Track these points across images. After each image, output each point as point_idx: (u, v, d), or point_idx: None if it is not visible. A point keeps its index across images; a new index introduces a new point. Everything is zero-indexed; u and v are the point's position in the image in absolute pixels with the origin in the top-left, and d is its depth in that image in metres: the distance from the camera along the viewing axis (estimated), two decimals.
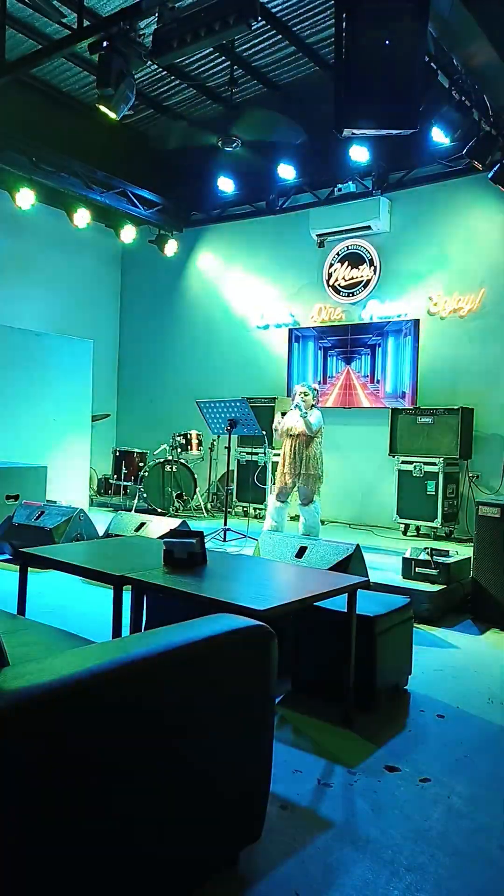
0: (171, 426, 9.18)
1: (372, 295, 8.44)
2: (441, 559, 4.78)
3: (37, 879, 1.45)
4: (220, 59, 7.60)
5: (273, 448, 7.86)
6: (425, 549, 4.94)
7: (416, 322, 7.99)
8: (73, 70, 7.96)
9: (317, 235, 8.68)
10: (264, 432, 7.22)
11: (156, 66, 7.30)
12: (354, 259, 8.58)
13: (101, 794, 1.55)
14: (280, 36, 7.14)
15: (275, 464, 7.84)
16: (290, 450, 6.20)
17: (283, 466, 6.24)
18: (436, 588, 4.63)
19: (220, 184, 8.86)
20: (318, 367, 8.75)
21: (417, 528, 7.50)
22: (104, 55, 5.09)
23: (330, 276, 8.77)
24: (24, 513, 6.09)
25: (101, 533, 5.97)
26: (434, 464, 7.25)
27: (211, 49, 7.15)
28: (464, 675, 3.68)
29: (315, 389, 6.40)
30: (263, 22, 6.74)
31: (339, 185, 8.45)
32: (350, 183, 8.35)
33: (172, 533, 3.45)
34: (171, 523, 5.44)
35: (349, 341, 8.50)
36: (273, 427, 6.44)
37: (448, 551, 5.00)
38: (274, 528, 6.21)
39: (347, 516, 8.29)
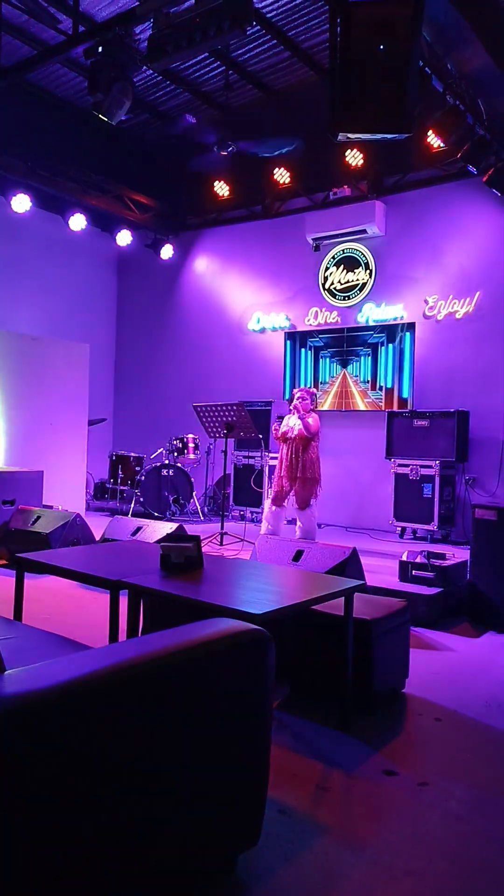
0: (167, 430, 9.18)
1: (367, 298, 8.46)
2: (438, 562, 4.78)
3: (34, 883, 1.44)
4: (215, 64, 7.62)
5: (269, 452, 7.86)
6: (422, 552, 4.95)
7: (412, 325, 8.01)
8: (69, 75, 7.97)
9: (312, 239, 8.70)
10: (261, 436, 7.23)
11: (151, 71, 7.32)
12: (350, 263, 8.60)
13: (97, 799, 1.55)
14: (275, 41, 7.16)
15: (272, 468, 7.87)
16: (287, 453, 6.21)
17: (280, 470, 6.25)
18: (433, 591, 4.63)
19: (215, 188, 8.88)
20: (314, 371, 8.76)
21: (414, 532, 7.50)
22: (94, 62, 5.11)
23: (325, 279, 8.79)
24: (21, 518, 6.08)
25: (97, 537, 5.96)
26: (430, 467, 7.25)
27: (206, 54, 7.17)
28: (461, 678, 3.68)
29: (313, 394, 6.42)
30: (258, 27, 6.76)
31: (335, 190, 8.48)
32: (345, 187, 8.38)
33: (169, 537, 3.45)
34: (168, 527, 5.43)
35: (345, 344, 8.51)
36: (276, 435, 6.45)
37: (445, 554, 5.00)
38: (270, 532, 6.21)
39: (344, 520, 8.29)
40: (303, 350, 8.87)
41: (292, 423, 6.22)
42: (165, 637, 1.83)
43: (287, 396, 8.85)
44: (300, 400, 6.20)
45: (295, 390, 6.47)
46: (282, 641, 3.26)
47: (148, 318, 10.70)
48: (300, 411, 6.14)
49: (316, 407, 6.43)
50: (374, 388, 8.29)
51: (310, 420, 6.11)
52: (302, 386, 8.24)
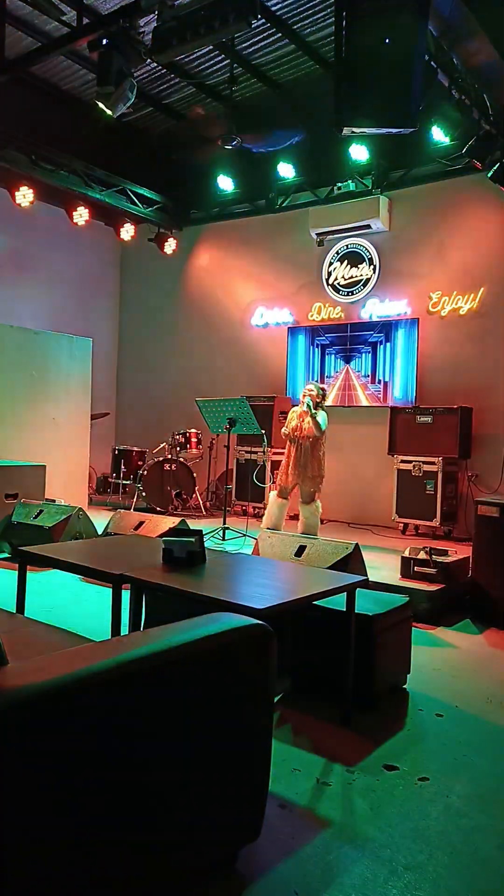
0: (170, 425, 9.18)
1: (371, 294, 8.43)
2: (440, 558, 4.78)
3: (35, 878, 1.45)
4: (219, 57, 7.58)
5: (272, 447, 7.86)
6: (424, 548, 4.94)
7: (416, 321, 7.98)
8: (72, 68, 7.94)
9: (316, 234, 8.67)
10: (263, 431, 7.22)
11: (155, 64, 7.28)
12: (354, 258, 8.57)
13: (99, 792, 1.55)
14: (280, 34, 7.12)
15: (274, 462, 7.87)
16: (296, 451, 6.20)
17: (287, 467, 6.25)
18: (435, 587, 4.63)
19: (219, 182, 8.85)
20: (317, 366, 8.75)
21: (416, 528, 7.49)
22: (104, 53, 5.08)
23: (329, 274, 8.76)
24: (23, 511, 6.09)
25: (100, 532, 5.97)
26: (433, 463, 7.24)
27: (211, 47, 7.14)
28: (462, 674, 3.68)
29: (322, 389, 6.37)
30: (263, 20, 6.72)
31: (339, 184, 8.44)
32: (350, 181, 8.34)
33: (171, 532, 3.45)
34: (170, 522, 5.44)
35: (348, 340, 8.49)
36: (282, 432, 6.43)
37: (447, 550, 5.00)
38: (273, 525, 6.21)
39: (346, 515, 8.29)
40: (306, 345, 8.86)
41: (303, 422, 6.17)
42: (167, 631, 1.83)
43: (289, 392, 8.87)
44: (308, 394, 6.16)
45: (308, 385, 6.42)
46: (283, 636, 3.27)
47: (151, 313, 10.68)
48: (311, 407, 6.06)
49: (324, 400, 6.34)
50: (376, 383, 8.27)
51: (320, 419, 6.07)
52: (309, 380, 8.25)
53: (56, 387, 8.53)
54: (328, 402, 8.36)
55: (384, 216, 8.21)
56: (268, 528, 5.80)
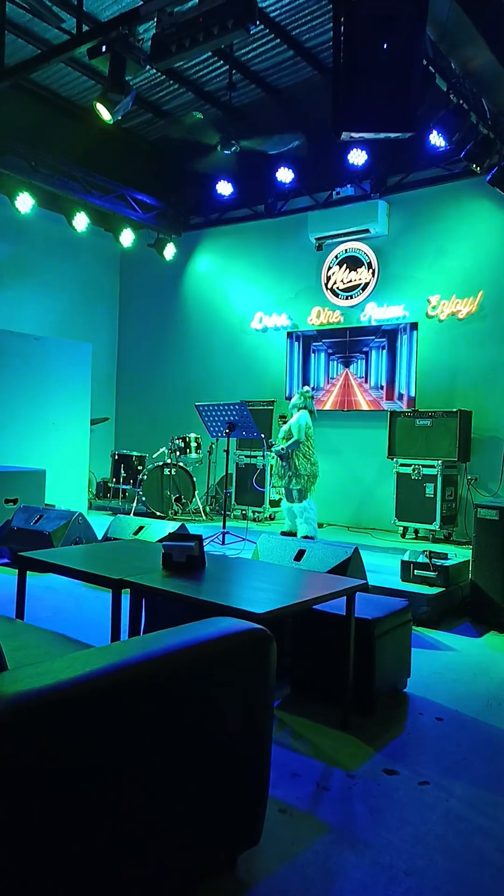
0: (169, 429, 9.18)
1: (370, 298, 8.45)
2: (440, 562, 4.78)
3: (33, 884, 1.45)
4: (218, 64, 7.62)
5: (271, 451, 7.86)
6: (424, 551, 4.94)
7: (415, 325, 7.99)
8: (72, 75, 7.98)
9: (315, 239, 8.69)
10: (263, 435, 7.23)
11: (154, 71, 7.32)
12: (353, 262, 8.59)
13: (98, 798, 1.55)
14: (278, 40, 7.16)
15: (273, 467, 7.92)
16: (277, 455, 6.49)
17: (275, 468, 6.50)
18: (434, 591, 4.63)
19: (218, 188, 8.88)
20: (316, 370, 8.75)
21: (416, 531, 7.49)
22: (115, 61, 5.10)
23: (328, 279, 8.78)
24: (23, 517, 6.08)
25: (99, 536, 5.97)
26: (432, 466, 7.24)
27: (209, 53, 7.17)
28: (462, 677, 3.68)
29: (303, 394, 6.62)
30: (262, 26, 6.76)
31: (338, 189, 8.47)
32: (348, 186, 8.37)
33: (171, 536, 3.45)
34: (170, 526, 5.44)
35: (348, 344, 8.50)
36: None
37: (447, 554, 5.00)
38: (289, 528, 6.40)
39: (346, 519, 8.29)
40: (305, 349, 8.86)
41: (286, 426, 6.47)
42: (167, 636, 1.83)
43: (288, 396, 8.88)
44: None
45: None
46: (283, 641, 3.27)
47: (150, 318, 10.70)
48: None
49: (305, 404, 6.55)
50: (376, 387, 8.28)
51: (293, 423, 6.31)
52: (303, 385, 8.34)
53: (56, 392, 8.55)
54: (327, 405, 8.42)
55: (383, 220, 8.23)
56: (283, 532, 5.99)
